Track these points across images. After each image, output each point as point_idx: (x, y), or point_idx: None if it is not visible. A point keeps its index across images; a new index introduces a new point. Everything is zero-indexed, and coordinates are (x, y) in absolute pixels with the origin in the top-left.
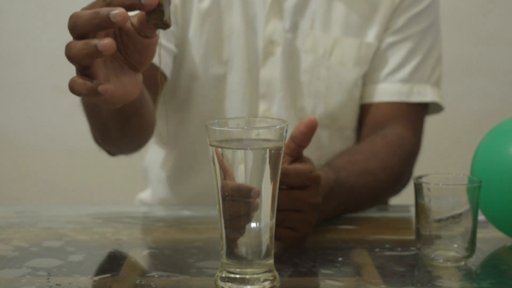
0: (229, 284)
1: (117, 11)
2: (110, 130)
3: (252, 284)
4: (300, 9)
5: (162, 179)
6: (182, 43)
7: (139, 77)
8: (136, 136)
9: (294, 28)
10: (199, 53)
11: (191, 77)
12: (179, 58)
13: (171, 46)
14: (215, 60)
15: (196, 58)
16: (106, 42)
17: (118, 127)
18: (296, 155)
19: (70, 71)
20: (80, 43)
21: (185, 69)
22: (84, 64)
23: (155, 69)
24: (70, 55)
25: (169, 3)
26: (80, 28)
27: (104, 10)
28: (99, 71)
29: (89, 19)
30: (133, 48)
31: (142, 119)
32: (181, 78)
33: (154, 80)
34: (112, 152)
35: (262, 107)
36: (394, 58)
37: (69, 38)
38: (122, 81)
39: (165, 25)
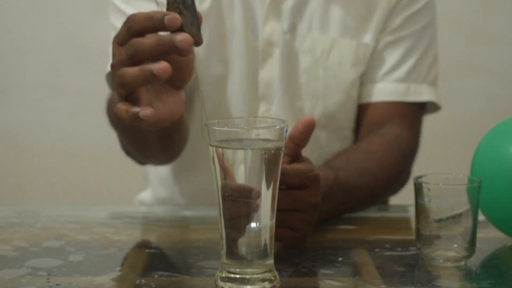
0: (229, 284)
1: (182, 37)
2: (150, 146)
3: (252, 284)
4: (298, 10)
5: (162, 179)
6: None
7: (182, 95)
8: (176, 148)
9: (292, 29)
10: (200, 54)
11: (193, 78)
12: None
13: None
14: (215, 61)
15: (198, 58)
16: (162, 67)
17: (160, 144)
18: (294, 155)
19: (70, 71)
20: (134, 70)
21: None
22: (134, 90)
23: None
24: (125, 82)
25: (198, 18)
26: (142, 56)
27: (167, 38)
28: (142, 96)
29: (153, 45)
30: (172, 67)
31: (184, 132)
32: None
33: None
34: (143, 162)
35: (261, 108)
36: (391, 57)
37: (69, 38)
38: (165, 102)
39: (196, 44)
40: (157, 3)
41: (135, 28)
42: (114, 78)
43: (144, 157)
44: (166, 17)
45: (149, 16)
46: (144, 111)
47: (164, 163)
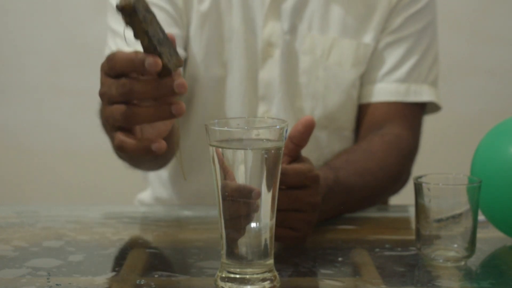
0: (229, 284)
1: (180, 81)
2: (139, 162)
3: (252, 284)
4: (298, 10)
5: (162, 179)
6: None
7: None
8: (167, 158)
9: (292, 29)
10: (199, 54)
11: (192, 79)
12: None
13: (182, 51)
14: (215, 62)
15: (197, 59)
16: (160, 146)
17: (149, 159)
18: (294, 155)
19: (70, 71)
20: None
21: (186, 70)
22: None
23: None
24: (118, 120)
25: (172, 42)
26: (133, 98)
27: (157, 84)
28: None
29: (144, 92)
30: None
31: (173, 143)
32: None
33: None
34: (135, 168)
35: (261, 108)
36: (391, 58)
37: (69, 38)
38: (154, 125)
39: (178, 66)
40: (125, 39)
41: (117, 69)
42: (104, 109)
43: (135, 166)
44: (146, 62)
45: (129, 59)
46: (157, 145)
47: (156, 170)
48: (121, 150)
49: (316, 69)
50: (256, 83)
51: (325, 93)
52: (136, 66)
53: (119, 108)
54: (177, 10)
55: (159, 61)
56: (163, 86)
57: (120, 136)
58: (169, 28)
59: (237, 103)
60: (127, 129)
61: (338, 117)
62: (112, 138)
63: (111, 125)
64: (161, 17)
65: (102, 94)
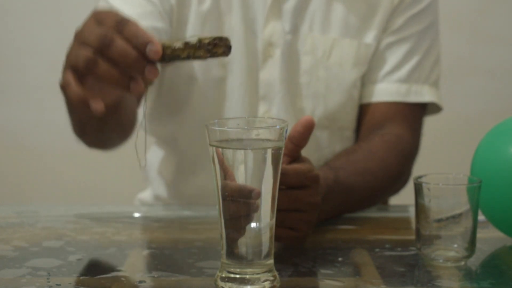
0: (229, 284)
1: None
2: (85, 125)
3: (252, 284)
4: (299, 10)
5: (162, 179)
6: None
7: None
8: (114, 133)
9: (293, 29)
10: None
11: (191, 79)
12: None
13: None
14: (215, 62)
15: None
16: (99, 107)
17: (95, 125)
18: (294, 155)
19: None
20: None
21: (184, 71)
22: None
23: None
24: (66, 90)
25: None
26: (97, 74)
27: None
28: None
29: (126, 54)
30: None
31: (121, 117)
32: (180, 80)
33: None
34: (90, 145)
35: (261, 109)
36: (393, 58)
37: (69, 38)
38: (103, 89)
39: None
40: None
41: (123, 31)
42: (72, 46)
43: (83, 138)
44: (148, 47)
45: (135, 35)
46: (97, 105)
47: (105, 147)
48: (63, 90)
49: (317, 69)
50: (256, 83)
51: (326, 93)
52: (139, 43)
53: (86, 51)
54: (167, 5)
55: (160, 52)
56: (139, 48)
57: (69, 76)
58: (153, 21)
59: (237, 103)
60: (79, 77)
61: (339, 117)
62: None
63: (68, 63)
64: (147, 9)
65: (79, 33)
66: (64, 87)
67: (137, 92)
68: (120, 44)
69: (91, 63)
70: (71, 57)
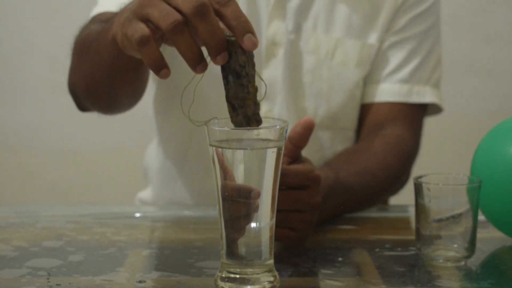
0: (229, 284)
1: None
2: (103, 77)
3: (252, 284)
4: (303, 10)
5: (162, 178)
6: None
7: None
8: (127, 96)
9: (297, 29)
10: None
11: (193, 77)
12: (181, 58)
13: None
14: None
15: None
16: (168, 72)
17: (116, 76)
18: (294, 155)
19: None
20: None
21: (187, 69)
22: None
23: None
24: (145, 44)
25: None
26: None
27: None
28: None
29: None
30: None
31: (140, 75)
32: (182, 78)
33: None
34: (83, 105)
35: (264, 108)
36: (395, 58)
37: (69, 38)
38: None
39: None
40: None
41: (227, 6)
42: (128, 21)
43: (89, 91)
44: (247, 36)
45: (237, 16)
46: (165, 71)
47: (106, 108)
48: (140, 44)
49: (320, 69)
50: (259, 82)
51: (329, 93)
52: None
53: (176, 15)
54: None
55: (257, 44)
56: (235, 31)
57: (147, 32)
58: None
59: None
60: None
61: (341, 117)
62: (108, 34)
63: (143, 15)
64: None
65: (143, 6)
66: (142, 41)
67: (200, 73)
68: (215, 20)
69: (179, 29)
70: (149, 10)
